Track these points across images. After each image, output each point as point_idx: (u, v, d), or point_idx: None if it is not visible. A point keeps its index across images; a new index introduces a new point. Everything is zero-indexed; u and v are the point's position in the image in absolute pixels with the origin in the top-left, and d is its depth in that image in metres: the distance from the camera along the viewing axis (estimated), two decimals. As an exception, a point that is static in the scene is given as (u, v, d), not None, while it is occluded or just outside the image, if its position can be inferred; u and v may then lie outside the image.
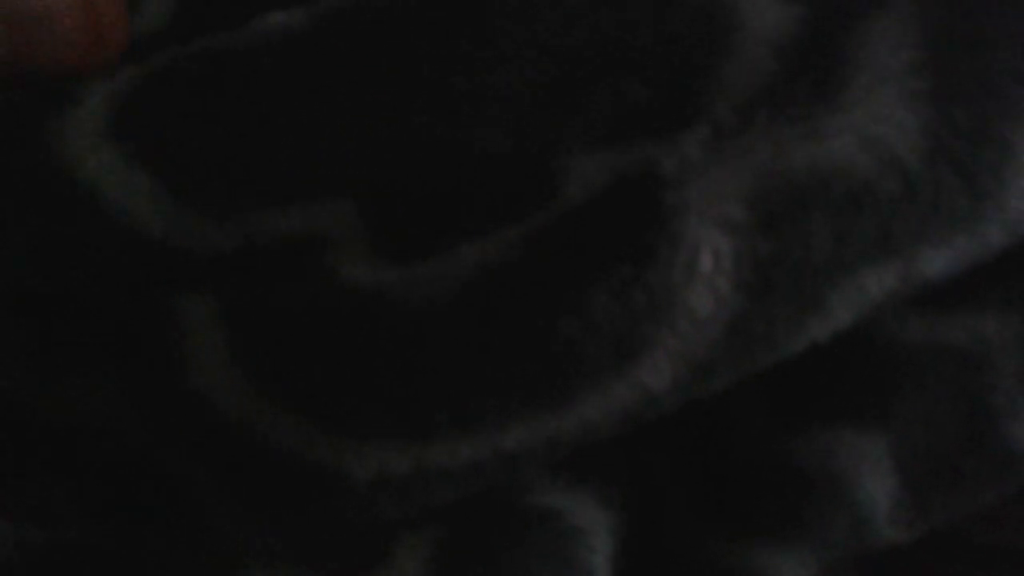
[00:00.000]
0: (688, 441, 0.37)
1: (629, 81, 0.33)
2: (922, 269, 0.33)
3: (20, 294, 0.36)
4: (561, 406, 0.33)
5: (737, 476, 0.36)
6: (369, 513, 0.34)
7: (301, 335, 0.33)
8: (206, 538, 0.35)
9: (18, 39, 0.34)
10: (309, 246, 0.34)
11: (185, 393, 0.34)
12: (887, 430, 0.35)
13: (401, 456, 0.33)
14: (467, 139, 0.33)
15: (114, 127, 0.34)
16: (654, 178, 0.33)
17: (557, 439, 0.33)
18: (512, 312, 0.32)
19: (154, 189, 0.34)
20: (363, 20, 0.34)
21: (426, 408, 0.33)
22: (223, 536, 0.34)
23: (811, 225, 0.33)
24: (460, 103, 0.33)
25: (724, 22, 0.33)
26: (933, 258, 0.33)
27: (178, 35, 0.37)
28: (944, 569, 0.38)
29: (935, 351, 0.36)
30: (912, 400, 0.35)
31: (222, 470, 0.34)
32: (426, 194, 0.33)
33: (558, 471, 0.36)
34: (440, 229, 0.33)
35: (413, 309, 0.33)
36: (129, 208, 0.34)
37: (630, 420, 0.33)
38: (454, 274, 0.33)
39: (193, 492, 0.35)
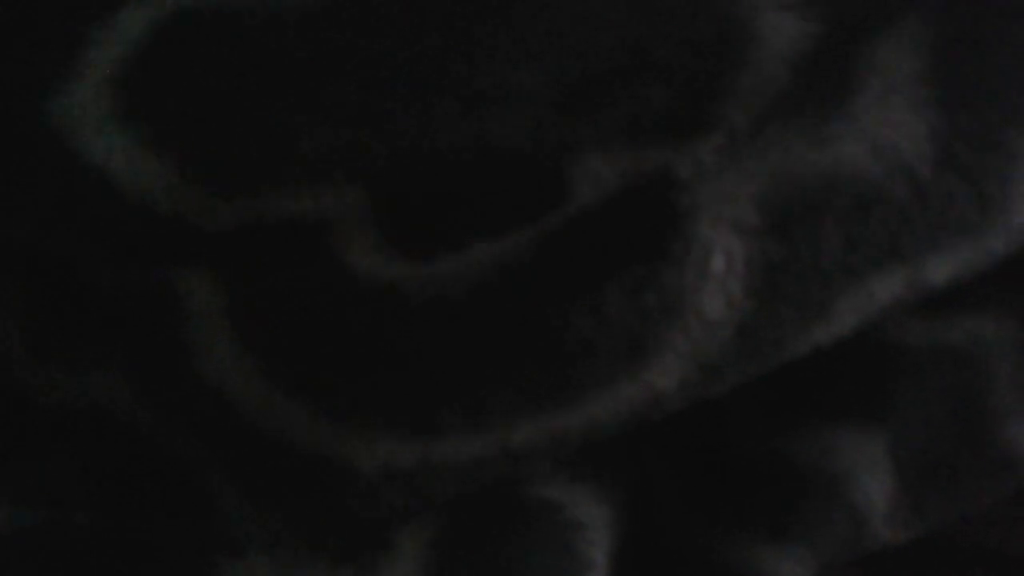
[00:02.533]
0: (688, 439, 0.37)
1: (649, 86, 0.33)
2: (928, 276, 0.34)
3: (23, 274, 0.35)
4: (570, 404, 0.33)
5: (736, 474, 0.36)
6: (374, 506, 0.34)
7: (310, 324, 0.33)
8: (207, 521, 0.35)
9: None
10: (315, 231, 0.34)
11: (191, 379, 0.34)
12: (886, 431, 0.36)
13: (409, 450, 0.33)
14: (485, 135, 0.33)
15: (123, 107, 0.34)
16: (668, 181, 0.33)
17: (563, 437, 0.33)
18: (526, 310, 0.32)
19: (164, 167, 0.34)
20: (388, 5, 0.34)
21: (436, 403, 0.33)
22: (224, 519, 0.35)
23: (821, 230, 0.33)
24: (481, 98, 0.33)
25: (743, 36, 0.33)
26: (939, 265, 0.34)
27: None
28: (937, 571, 0.38)
29: (934, 352, 0.36)
30: (911, 401, 0.36)
31: (227, 458, 0.34)
32: (440, 189, 0.33)
33: (559, 465, 0.36)
34: (453, 226, 0.33)
35: (426, 304, 0.33)
36: (137, 186, 0.34)
37: (636, 420, 0.33)
38: (468, 271, 0.33)
39: (196, 476, 0.35)
